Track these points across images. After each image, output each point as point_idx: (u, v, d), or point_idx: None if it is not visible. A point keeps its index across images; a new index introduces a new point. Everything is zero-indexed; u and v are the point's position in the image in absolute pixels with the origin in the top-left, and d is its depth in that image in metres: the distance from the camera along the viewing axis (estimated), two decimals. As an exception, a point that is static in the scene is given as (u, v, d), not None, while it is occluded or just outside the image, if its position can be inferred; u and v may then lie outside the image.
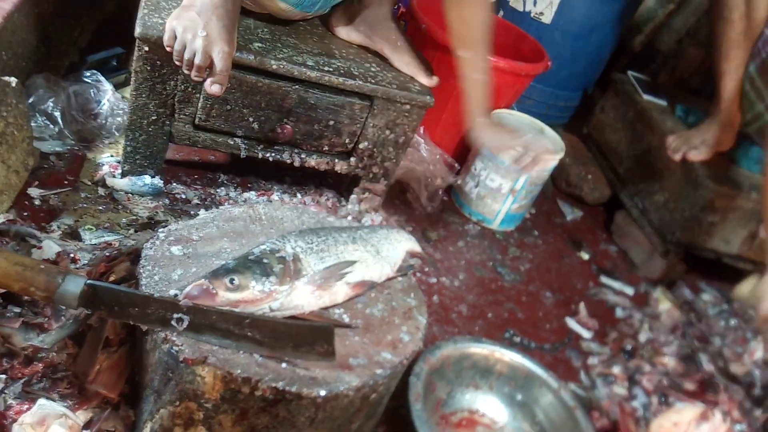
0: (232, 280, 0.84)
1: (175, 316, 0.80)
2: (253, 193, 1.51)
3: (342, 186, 1.64)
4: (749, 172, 1.85)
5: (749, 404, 1.50)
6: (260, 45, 1.30)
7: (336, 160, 1.49)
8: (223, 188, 1.49)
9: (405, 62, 1.47)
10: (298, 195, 1.57)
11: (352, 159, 1.50)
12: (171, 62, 1.17)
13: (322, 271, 0.93)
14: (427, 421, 1.06)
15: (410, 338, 0.98)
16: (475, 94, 1.36)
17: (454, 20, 1.32)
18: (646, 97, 2.08)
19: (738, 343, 1.73)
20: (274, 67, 1.28)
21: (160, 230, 0.96)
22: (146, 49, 1.21)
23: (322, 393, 0.83)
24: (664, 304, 1.79)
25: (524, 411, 1.23)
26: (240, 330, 0.83)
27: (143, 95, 1.27)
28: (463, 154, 1.91)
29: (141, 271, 0.89)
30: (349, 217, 1.57)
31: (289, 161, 1.44)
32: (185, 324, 0.80)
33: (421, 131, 1.83)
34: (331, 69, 1.34)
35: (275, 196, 1.53)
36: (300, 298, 0.90)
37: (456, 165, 1.88)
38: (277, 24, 1.40)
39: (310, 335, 0.87)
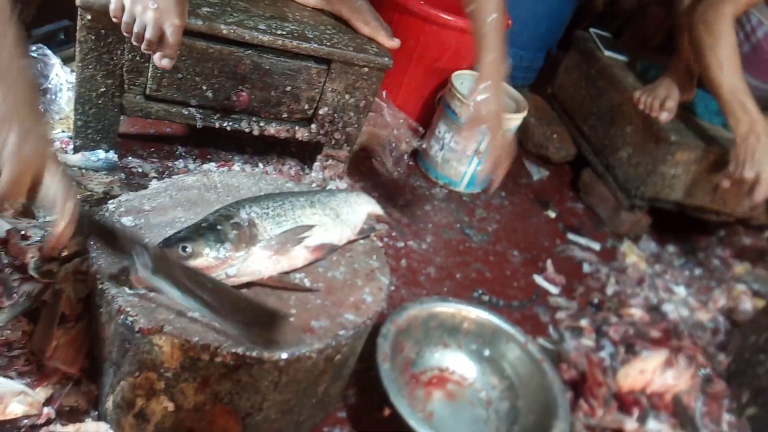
0: (184, 248, 0.83)
1: (142, 257, 0.79)
2: (212, 164, 1.48)
3: (305, 154, 1.61)
4: (710, 123, 1.86)
5: (713, 349, 1.54)
6: (209, 9, 1.26)
7: (296, 128, 1.47)
8: (181, 160, 1.45)
9: (365, 23, 1.44)
10: (260, 165, 1.54)
11: (313, 126, 1.48)
12: (116, 31, 1.12)
13: (278, 235, 0.91)
14: (396, 379, 1.07)
15: (373, 299, 0.97)
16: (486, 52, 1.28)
17: None
18: (607, 53, 2.08)
19: (702, 292, 1.77)
20: (225, 31, 1.24)
21: (110, 201, 0.94)
22: (89, 17, 1.17)
23: (284, 356, 0.83)
24: (630, 257, 1.82)
25: (492, 366, 1.25)
26: (199, 290, 0.81)
27: (90, 66, 1.23)
28: (427, 117, 1.89)
29: (92, 243, 0.87)
30: (314, 185, 1.55)
31: (247, 130, 1.41)
32: (149, 264, 0.79)
33: (384, 96, 1.81)
34: (284, 32, 1.31)
35: (236, 167, 1.50)
36: (257, 263, 0.89)
37: (420, 129, 1.86)
38: (227, -12, 1.36)
39: (264, 318, 0.84)
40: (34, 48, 1.46)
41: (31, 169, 0.75)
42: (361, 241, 1.09)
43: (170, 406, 0.86)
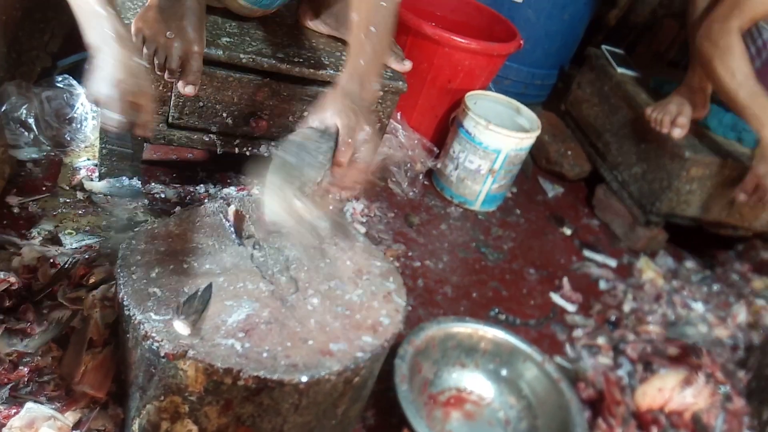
0: None
1: None
2: (232, 188, 1.52)
3: (322, 176, 1.64)
4: (724, 138, 1.87)
5: (733, 366, 1.53)
6: (228, 39, 1.30)
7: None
8: (202, 185, 1.49)
9: (375, 50, 1.47)
10: (278, 188, 1.57)
11: (330, 149, 1.51)
12: (140, 62, 1.17)
13: None
14: (414, 401, 1.08)
15: (390, 321, 0.99)
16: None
17: None
18: (620, 70, 2.09)
19: (721, 307, 1.76)
20: (244, 61, 1.28)
21: (137, 230, 0.97)
22: (114, 50, 1.21)
23: (304, 379, 0.85)
24: (647, 273, 1.82)
25: (510, 386, 1.26)
26: None
27: (114, 97, 1.27)
28: (441, 137, 1.92)
29: (119, 270, 0.90)
30: (331, 207, 1.58)
31: (266, 155, 1.45)
32: None
33: (398, 117, 1.84)
34: (301, 60, 1.34)
35: (255, 191, 1.53)
36: None
37: (435, 149, 1.89)
38: (245, 18, 1.40)
39: None
40: (60, 79, 1.52)
41: None
42: (378, 263, 1.11)
43: (194, 429, 0.88)
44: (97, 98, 0.95)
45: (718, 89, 1.64)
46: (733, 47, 1.56)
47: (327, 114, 0.96)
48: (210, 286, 0.90)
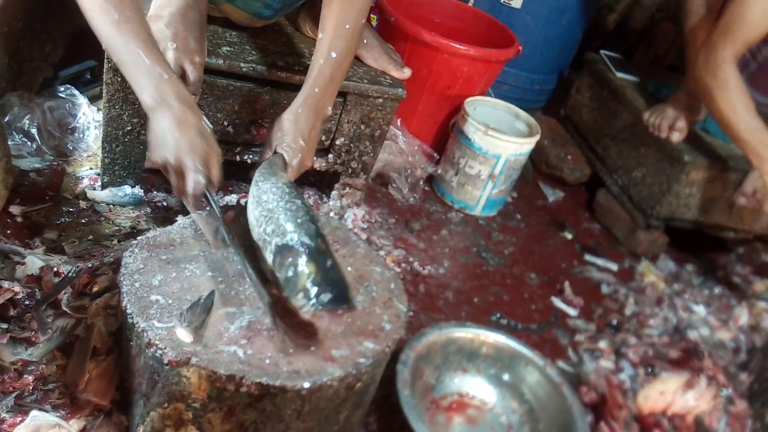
0: None
1: None
2: (234, 196, 1.52)
3: (323, 183, 1.65)
4: (723, 142, 1.87)
5: (735, 369, 1.54)
6: (229, 49, 1.31)
7: (314, 158, 1.50)
8: (204, 193, 1.50)
9: (374, 58, 1.49)
10: (280, 195, 1.58)
11: (330, 156, 1.52)
12: (141, 72, 1.18)
13: None
14: (416, 406, 1.09)
15: (391, 326, 1.00)
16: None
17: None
18: (619, 74, 2.10)
19: (723, 310, 1.76)
20: (244, 69, 1.29)
21: (139, 238, 0.98)
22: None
23: (306, 385, 0.85)
24: (648, 277, 1.82)
25: (512, 390, 1.26)
26: None
27: (116, 106, 1.28)
28: (441, 143, 1.93)
29: (122, 279, 0.91)
30: (332, 213, 1.59)
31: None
32: None
33: (398, 123, 1.85)
34: (301, 68, 1.35)
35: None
36: None
37: (435, 155, 1.90)
38: (245, 28, 1.41)
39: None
40: (62, 89, 1.53)
41: None
42: (378, 269, 1.11)
43: (198, 436, 0.89)
44: (168, 164, 0.97)
45: (718, 121, 1.64)
46: (730, 79, 1.56)
47: (278, 142, 1.12)
48: (212, 293, 0.91)
